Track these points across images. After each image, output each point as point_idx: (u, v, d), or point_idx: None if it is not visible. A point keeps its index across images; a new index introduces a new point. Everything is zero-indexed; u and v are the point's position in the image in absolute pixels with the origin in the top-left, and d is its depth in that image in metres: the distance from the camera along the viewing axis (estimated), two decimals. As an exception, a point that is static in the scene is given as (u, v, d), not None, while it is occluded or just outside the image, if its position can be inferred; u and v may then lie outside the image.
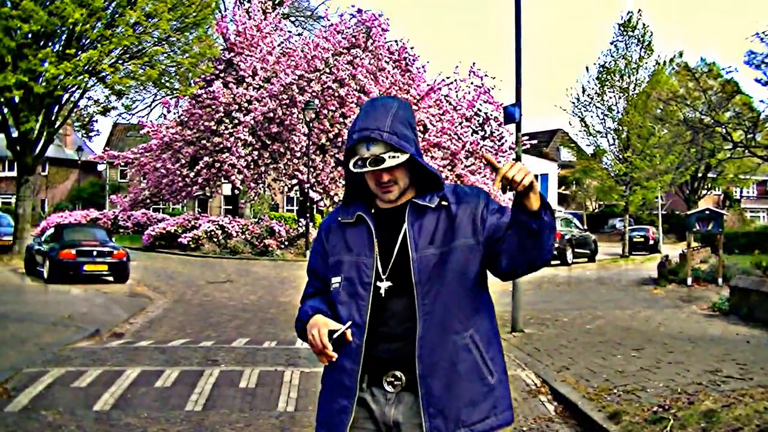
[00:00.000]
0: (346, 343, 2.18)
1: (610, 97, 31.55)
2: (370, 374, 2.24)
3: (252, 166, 27.12)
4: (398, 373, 2.21)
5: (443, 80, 28.78)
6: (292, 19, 40.29)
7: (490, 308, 2.34)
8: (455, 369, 2.19)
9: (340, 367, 2.23)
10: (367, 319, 2.22)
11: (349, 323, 2.19)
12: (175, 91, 23.35)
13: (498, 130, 29.27)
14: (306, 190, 26.03)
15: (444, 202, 2.29)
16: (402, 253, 2.25)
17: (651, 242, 35.87)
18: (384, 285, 2.25)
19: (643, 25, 31.31)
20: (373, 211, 2.35)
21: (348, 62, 26.13)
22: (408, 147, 2.23)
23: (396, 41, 28.22)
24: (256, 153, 26.89)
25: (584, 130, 32.51)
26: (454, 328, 2.20)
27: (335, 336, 2.15)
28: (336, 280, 2.31)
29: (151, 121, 28.93)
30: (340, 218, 2.38)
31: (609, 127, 31.81)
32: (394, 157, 2.22)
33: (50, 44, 19.76)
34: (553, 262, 25.32)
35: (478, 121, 29.11)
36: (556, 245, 25.06)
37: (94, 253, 15.96)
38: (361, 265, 2.27)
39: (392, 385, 2.22)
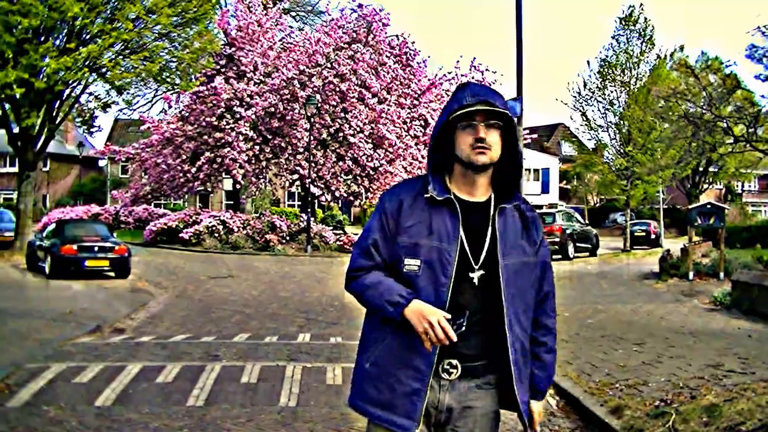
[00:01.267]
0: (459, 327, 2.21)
1: (612, 92, 31.54)
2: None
3: (253, 161, 27.11)
4: (454, 361, 2.28)
5: (444, 75, 28.76)
6: (293, 14, 40.25)
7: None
8: (526, 363, 2.41)
9: (412, 348, 2.24)
10: (446, 308, 2.23)
11: (467, 313, 2.21)
12: (175, 87, 23.32)
13: (499, 125, 29.19)
14: (307, 185, 26.02)
15: (522, 204, 2.42)
16: (490, 251, 2.32)
17: (652, 237, 35.84)
18: (477, 274, 2.30)
19: (645, 19, 31.32)
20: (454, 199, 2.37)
21: (349, 57, 26.09)
22: (515, 123, 2.36)
23: (397, 36, 28.17)
24: (257, 148, 26.88)
25: (585, 125, 32.53)
26: (525, 335, 2.40)
27: (454, 327, 2.17)
28: (413, 263, 2.29)
29: (152, 117, 28.92)
30: (429, 192, 2.34)
31: (610, 122, 31.81)
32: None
33: (50, 39, 19.72)
34: (554, 257, 25.32)
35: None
36: (558, 240, 25.09)
37: (96, 248, 15.95)
38: (444, 252, 2.27)
39: (448, 372, 2.29)
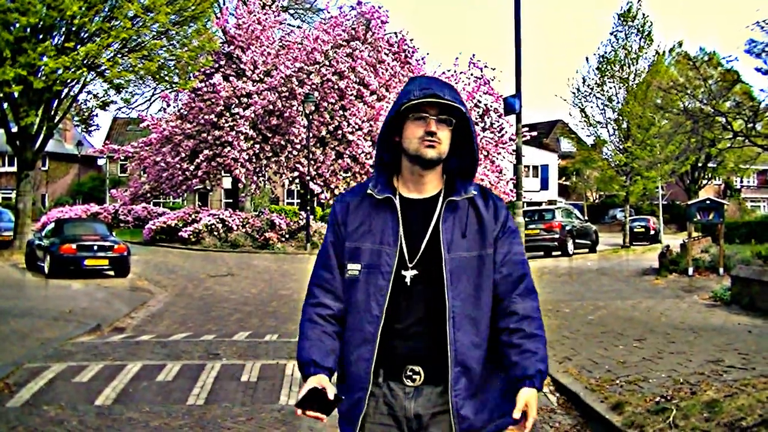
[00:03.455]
0: (325, 403, 2.13)
1: (610, 88, 31.49)
2: (387, 368, 2.22)
3: (254, 160, 27.11)
4: (416, 368, 2.21)
5: (443, 72, 28.71)
6: (291, 11, 40.20)
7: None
8: (484, 367, 2.23)
9: (356, 358, 2.22)
10: (384, 311, 2.19)
11: (334, 393, 2.14)
12: (174, 85, 23.30)
13: (498, 122, 29.20)
14: (307, 183, 26.01)
15: (473, 192, 2.31)
16: (430, 248, 2.23)
17: (652, 232, 35.84)
18: (409, 274, 2.22)
19: (643, 15, 31.26)
20: (398, 198, 2.30)
21: (347, 54, 26.07)
22: (465, 112, 2.26)
23: (395, 33, 28.14)
24: (257, 146, 26.88)
25: (584, 121, 32.48)
26: (482, 328, 2.24)
27: (306, 395, 2.12)
28: (354, 268, 2.25)
29: (151, 115, 28.90)
30: (369, 191, 2.30)
31: (609, 118, 31.77)
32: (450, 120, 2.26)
33: (49, 38, 19.71)
34: (554, 253, 25.34)
35: (478, 112, 29.04)
36: (557, 236, 25.08)
37: (95, 247, 15.95)
38: (383, 254, 2.23)
39: (411, 379, 2.21)
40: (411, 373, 2.20)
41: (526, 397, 2.16)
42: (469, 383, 2.19)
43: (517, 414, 2.13)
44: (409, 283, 2.21)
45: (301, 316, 2.34)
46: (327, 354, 2.23)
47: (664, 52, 31.63)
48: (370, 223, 2.27)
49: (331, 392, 2.14)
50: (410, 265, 2.22)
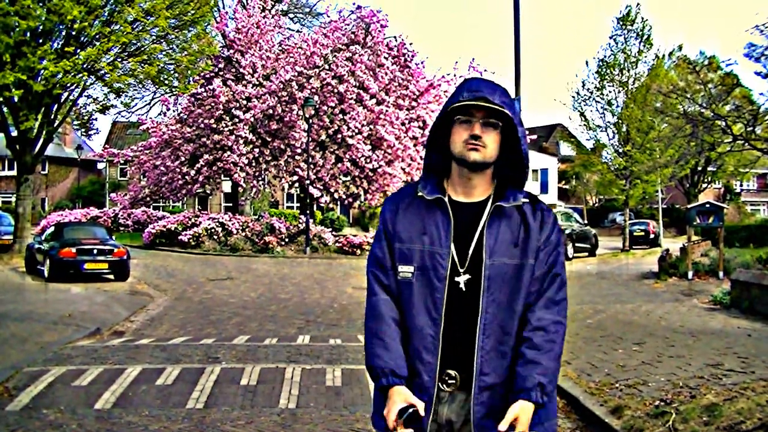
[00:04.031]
0: (417, 419, 2.12)
1: (610, 91, 31.54)
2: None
3: (253, 164, 27.11)
4: (453, 372, 2.20)
5: (443, 76, 28.73)
6: (291, 15, 40.22)
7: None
8: (508, 381, 2.19)
9: (422, 363, 2.20)
10: (442, 313, 2.19)
11: (421, 405, 2.14)
12: (174, 89, 23.34)
13: (497, 125, 29.20)
14: (306, 187, 26.02)
15: (523, 200, 2.27)
16: (477, 253, 2.22)
17: (651, 236, 35.85)
18: (462, 279, 2.21)
19: (642, 19, 31.34)
20: (447, 200, 2.28)
21: (347, 58, 26.09)
22: (515, 119, 2.22)
23: (395, 37, 28.15)
24: (257, 150, 26.88)
25: (584, 125, 32.54)
26: (510, 341, 2.21)
27: (405, 415, 2.11)
28: (407, 269, 2.24)
29: (150, 119, 28.92)
30: (419, 192, 2.29)
31: (609, 121, 31.82)
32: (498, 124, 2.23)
33: (49, 42, 19.74)
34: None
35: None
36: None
37: (95, 251, 15.94)
38: (435, 256, 2.21)
39: (447, 384, 2.21)
40: (447, 378, 2.20)
41: (517, 410, 2.11)
42: (492, 392, 2.18)
43: (502, 427, 2.09)
44: (464, 288, 2.20)
45: (368, 311, 2.30)
46: (402, 361, 2.21)
47: (663, 55, 31.74)
48: (423, 224, 2.26)
49: (421, 408, 2.13)
50: (461, 270, 2.21)
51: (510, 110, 2.21)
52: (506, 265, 2.20)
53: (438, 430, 2.22)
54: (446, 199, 2.27)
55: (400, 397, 2.15)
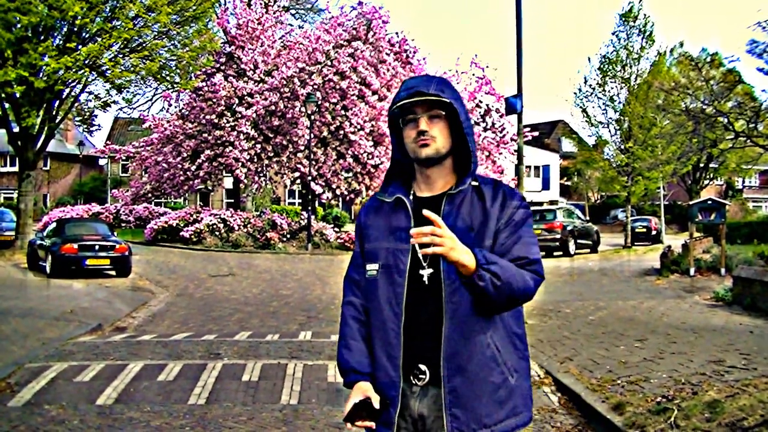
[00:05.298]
0: (378, 413, 2.19)
1: (612, 88, 31.47)
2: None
3: (255, 160, 27.11)
4: (423, 367, 2.19)
5: (445, 72, 28.70)
6: (293, 11, 40.20)
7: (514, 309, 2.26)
8: (478, 369, 2.16)
9: (385, 358, 2.24)
10: (403, 307, 2.20)
11: (377, 398, 2.20)
12: (175, 85, 23.32)
13: (499, 122, 29.23)
14: (308, 183, 26.01)
15: (473, 184, 2.27)
16: None
17: (653, 233, 35.84)
18: (426, 272, 2.20)
19: (644, 15, 31.24)
20: (411, 198, 2.31)
21: (349, 55, 26.06)
22: (455, 103, 2.22)
23: (397, 33, 28.16)
24: (258, 146, 26.88)
25: (586, 121, 32.45)
26: (478, 328, 2.17)
27: (361, 407, 2.18)
28: (373, 268, 2.28)
29: (152, 115, 28.92)
30: (378, 197, 2.36)
31: (610, 118, 31.74)
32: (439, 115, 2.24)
33: (50, 38, 19.73)
34: (555, 254, 25.32)
35: (479, 112, 29.05)
36: (559, 236, 25.07)
37: (96, 247, 15.96)
38: (397, 252, 2.24)
39: (418, 379, 2.20)
40: (418, 373, 2.20)
41: (452, 233, 2.00)
42: (462, 384, 2.15)
43: (426, 212, 1.99)
44: (427, 282, 2.19)
45: (340, 318, 2.41)
46: (364, 358, 2.29)
47: (665, 52, 31.64)
48: (389, 225, 2.30)
49: (376, 401, 2.19)
50: (425, 264, 2.21)
51: (449, 96, 2.22)
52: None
53: (414, 426, 2.22)
54: (410, 197, 2.30)
55: (359, 391, 2.22)
